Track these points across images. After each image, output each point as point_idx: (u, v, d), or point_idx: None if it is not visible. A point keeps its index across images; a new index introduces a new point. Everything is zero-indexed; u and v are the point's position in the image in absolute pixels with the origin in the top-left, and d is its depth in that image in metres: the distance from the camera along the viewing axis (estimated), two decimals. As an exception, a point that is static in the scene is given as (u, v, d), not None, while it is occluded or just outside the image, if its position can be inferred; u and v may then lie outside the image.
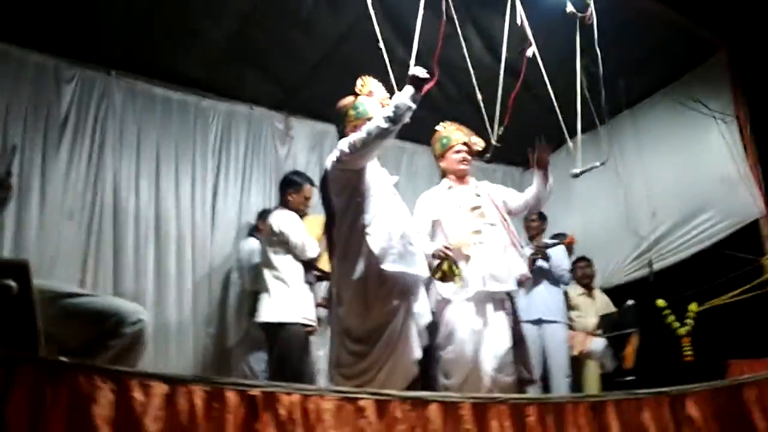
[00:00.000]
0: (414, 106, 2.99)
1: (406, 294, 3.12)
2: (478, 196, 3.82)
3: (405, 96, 2.98)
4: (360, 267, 3.04)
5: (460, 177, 3.88)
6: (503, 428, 2.30)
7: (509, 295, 3.69)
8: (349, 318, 3.12)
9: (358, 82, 3.34)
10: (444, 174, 3.93)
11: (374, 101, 3.30)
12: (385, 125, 2.97)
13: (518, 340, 3.64)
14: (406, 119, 3.01)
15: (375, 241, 3.04)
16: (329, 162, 3.23)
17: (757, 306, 4.50)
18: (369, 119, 3.13)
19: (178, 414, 1.76)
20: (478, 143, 3.90)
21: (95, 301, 2.20)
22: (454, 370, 3.48)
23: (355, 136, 3.06)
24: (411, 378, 3.12)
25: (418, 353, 3.14)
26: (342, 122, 3.32)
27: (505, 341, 3.55)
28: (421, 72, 3.01)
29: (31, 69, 4.59)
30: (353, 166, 3.13)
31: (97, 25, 4.46)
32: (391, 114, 2.98)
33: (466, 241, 3.61)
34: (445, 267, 3.38)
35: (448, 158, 3.88)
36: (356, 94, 3.31)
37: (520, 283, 3.81)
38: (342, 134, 3.30)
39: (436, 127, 3.99)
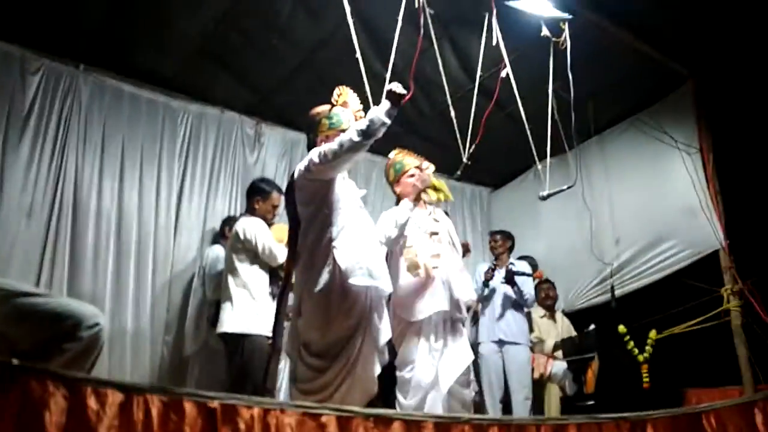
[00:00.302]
0: (389, 122, 2.92)
1: (368, 310, 3.05)
2: (436, 221, 3.93)
3: (380, 111, 2.92)
4: (324, 279, 2.97)
5: (416, 200, 3.92)
6: (465, 449, 2.28)
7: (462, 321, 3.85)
8: (309, 331, 3.04)
9: (335, 91, 3.29)
10: (399, 200, 3.96)
11: (348, 113, 3.25)
12: (357, 139, 2.91)
13: None
14: (380, 134, 2.95)
15: (342, 255, 2.98)
16: (297, 170, 3.16)
17: (715, 336, 4.58)
18: (342, 131, 3.09)
19: (134, 424, 1.69)
20: (430, 167, 3.97)
21: (52, 301, 2.13)
22: (413, 390, 3.52)
23: (326, 147, 3.00)
24: (371, 396, 3.06)
25: (377, 370, 3.09)
26: (314, 130, 3.26)
27: (465, 358, 3.68)
28: (398, 88, 2.95)
29: (-3, 57, 4.46)
30: (322, 177, 3.06)
31: (67, 16, 4.33)
32: (364, 128, 2.91)
33: (428, 263, 3.69)
34: (435, 184, 3.76)
35: (402, 183, 3.93)
36: (332, 104, 3.26)
37: (468, 308, 4.03)
38: (312, 142, 3.25)
39: (389, 155, 4.06)
